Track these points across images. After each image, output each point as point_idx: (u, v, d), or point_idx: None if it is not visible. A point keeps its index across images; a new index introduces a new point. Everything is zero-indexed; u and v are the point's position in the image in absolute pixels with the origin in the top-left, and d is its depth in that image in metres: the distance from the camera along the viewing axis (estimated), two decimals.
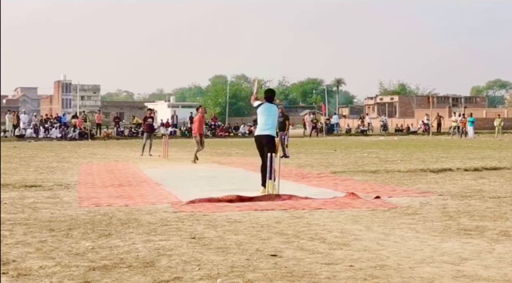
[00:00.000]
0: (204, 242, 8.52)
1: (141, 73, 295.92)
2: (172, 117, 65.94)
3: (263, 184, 14.16)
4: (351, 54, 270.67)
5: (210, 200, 12.63)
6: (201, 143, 25.37)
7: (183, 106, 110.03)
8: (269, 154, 13.99)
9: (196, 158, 24.97)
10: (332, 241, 8.61)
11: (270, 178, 13.90)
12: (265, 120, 14.52)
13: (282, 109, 28.21)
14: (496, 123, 58.62)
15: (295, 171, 19.99)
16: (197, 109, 27.56)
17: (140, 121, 50.74)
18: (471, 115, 60.22)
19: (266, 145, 14.36)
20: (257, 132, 14.76)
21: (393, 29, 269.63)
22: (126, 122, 66.36)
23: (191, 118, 67.60)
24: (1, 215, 10.82)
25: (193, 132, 26.60)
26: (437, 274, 6.71)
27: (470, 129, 56.70)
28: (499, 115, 63.76)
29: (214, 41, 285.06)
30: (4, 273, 6.78)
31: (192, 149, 26.76)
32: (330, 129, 66.97)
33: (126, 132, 60.02)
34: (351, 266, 7.08)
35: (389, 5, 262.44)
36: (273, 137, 14.60)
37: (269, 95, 14.95)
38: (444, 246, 8.24)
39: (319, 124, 66.06)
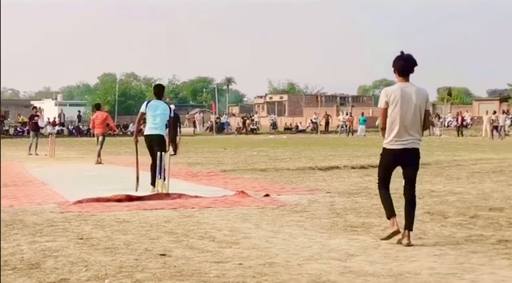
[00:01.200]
0: (92, 243, 8.38)
1: (27, 71, 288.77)
2: (60, 115, 64.70)
3: (153, 183, 14.00)
4: (241, 52, 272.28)
5: (98, 199, 12.44)
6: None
7: (70, 105, 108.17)
8: (158, 153, 13.87)
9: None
10: (222, 239, 8.62)
11: (160, 177, 13.76)
12: (153, 119, 14.20)
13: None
14: (377, 122, 60.38)
15: (185, 170, 19.94)
16: (98, 108, 26.09)
17: (26, 119, 49.57)
18: (362, 114, 61.58)
19: (156, 144, 14.14)
20: (146, 131, 14.41)
21: (281, 28, 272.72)
22: (11, 121, 64.59)
23: (79, 117, 66.56)
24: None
25: (96, 132, 25.18)
26: (324, 270, 6.82)
27: (361, 127, 57.88)
28: (362, 113, 65.55)
29: (103, 38, 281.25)
30: None
31: (79, 148, 26.39)
32: (220, 128, 67.15)
33: (11, 131, 58.47)
34: (240, 264, 7.11)
35: (275, 4, 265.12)
36: (162, 136, 14.34)
37: (157, 91, 14.60)
38: (331, 242, 8.38)
39: (209, 122, 66.20)
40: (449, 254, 7.68)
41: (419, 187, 14.57)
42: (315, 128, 65.01)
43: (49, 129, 56.44)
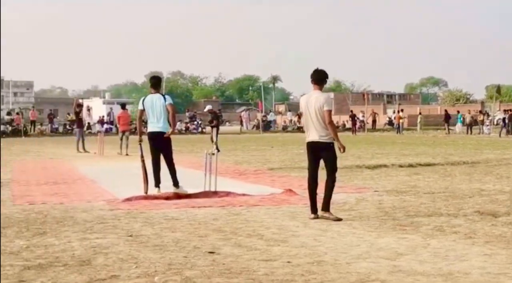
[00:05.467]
0: (141, 240, 8.46)
1: (75, 69, 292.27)
2: (108, 114, 65.27)
3: (157, 184, 13.15)
4: (287, 51, 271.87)
5: (146, 197, 12.56)
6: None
7: (118, 103, 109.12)
8: (166, 156, 13.21)
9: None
10: (270, 237, 8.63)
11: (174, 184, 13.05)
12: (151, 118, 13.19)
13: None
14: (418, 120, 60.23)
15: (232, 168, 19.99)
16: (123, 108, 30.10)
17: (74, 118, 50.17)
18: (458, 112, 60.99)
19: (162, 146, 13.19)
20: (149, 128, 13.36)
21: (328, 26, 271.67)
22: (60, 119, 65.46)
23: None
24: None
25: (121, 129, 29.08)
26: (373, 269, 6.79)
27: (458, 125, 57.05)
28: (420, 112, 64.96)
29: (149, 37, 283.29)
30: None
31: (129, 145, 26.79)
32: (267, 126, 67.13)
33: (61, 129, 59.18)
34: (288, 262, 7.11)
35: (325, 2, 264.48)
36: (165, 133, 13.15)
37: (152, 84, 13.48)
38: (380, 241, 8.34)
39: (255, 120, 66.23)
40: (500, 253, 7.60)
41: (469, 186, 14.50)
42: (361, 126, 64.58)
43: (97, 127, 57.01)
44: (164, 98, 13.13)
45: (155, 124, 13.12)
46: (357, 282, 6.35)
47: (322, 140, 10.29)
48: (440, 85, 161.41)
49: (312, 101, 10.30)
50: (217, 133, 29.02)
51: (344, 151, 10.26)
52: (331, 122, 10.20)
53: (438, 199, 12.45)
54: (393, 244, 8.14)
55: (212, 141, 27.83)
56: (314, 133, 10.32)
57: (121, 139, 28.20)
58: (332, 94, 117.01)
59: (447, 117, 56.67)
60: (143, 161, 13.52)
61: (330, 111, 10.31)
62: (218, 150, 25.49)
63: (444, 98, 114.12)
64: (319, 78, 10.47)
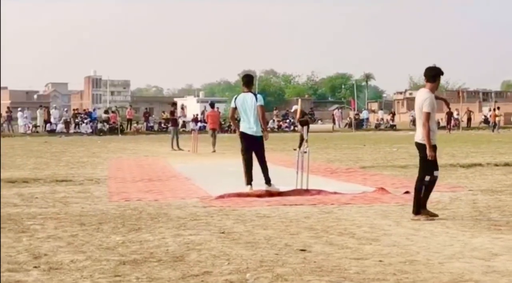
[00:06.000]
0: (233, 237, 8.55)
1: (170, 68, 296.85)
2: (202, 112, 65.95)
3: (249, 182, 13.16)
4: (381, 48, 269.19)
5: (239, 195, 12.66)
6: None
7: (211, 102, 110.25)
8: (259, 155, 13.25)
9: None
10: (361, 236, 8.59)
11: (266, 182, 13.06)
12: (243, 117, 13.27)
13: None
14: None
15: (324, 166, 19.95)
16: (212, 107, 32.65)
17: (169, 116, 50.95)
18: None
19: (254, 147, 13.26)
20: (241, 128, 13.43)
21: (421, 23, 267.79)
22: (155, 117, 66.52)
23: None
24: (32, 210, 10.94)
25: (209, 127, 31.28)
26: (467, 269, 6.68)
27: None
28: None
29: (243, 35, 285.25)
30: (35, 267, 6.86)
31: (221, 144, 27.17)
32: (359, 124, 66.67)
33: (156, 127, 60.21)
34: (380, 261, 7.07)
35: (416, 1, 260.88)
36: (257, 137, 13.24)
37: (245, 82, 13.56)
38: (474, 241, 8.20)
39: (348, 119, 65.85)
40: None
41: None
42: (456, 125, 63.40)
43: (191, 125, 57.76)
44: (256, 98, 13.18)
45: (247, 124, 13.21)
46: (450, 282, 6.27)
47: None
48: None
49: (418, 99, 10.01)
50: (308, 131, 29.00)
51: (432, 158, 9.81)
52: (424, 124, 9.79)
53: None
54: (488, 244, 7.99)
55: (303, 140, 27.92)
56: (418, 132, 10.05)
57: (212, 136, 29.71)
58: None
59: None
60: (243, 154, 13.45)
61: (428, 113, 9.79)
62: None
63: None
64: (425, 74, 10.16)
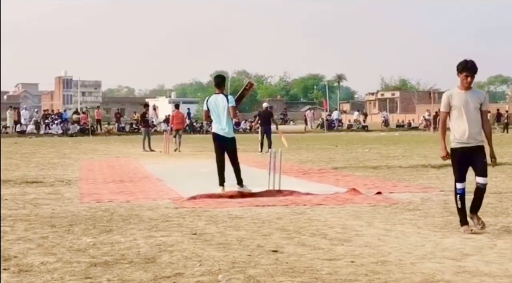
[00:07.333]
0: (205, 238, 8.52)
1: (142, 69, 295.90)
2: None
3: (221, 183, 13.30)
4: (352, 49, 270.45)
5: (211, 196, 12.64)
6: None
7: (184, 102, 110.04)
8: (231, 156, 13.33)
9: None
10: (334, 237, 8.61)
11: (238, 183, 13.13)
12: (215, 118, 13.24)
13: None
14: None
15: (296, 167, 19.98)
16: (177, 108, 32.37)
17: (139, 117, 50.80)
18: None
19: (227, 149, 13.34)
20: (213, 129, 13.48)
21: (393, 25, 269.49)
22: (127, 118, 66.26)
23: (188, 114, 67.36)
24: (2, 211, 10.82)
25: (175, 128, 31.09)
26: (438, 269, 6.72)
27: None
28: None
29: (215, 36, 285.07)
30: (5, 269, 6.79)
31: (192, 145, 27.04)
32: (331, 125, 66.87)
33: (127, 128, 59.95)
34: (352, 262, 7.09)
35: (389, 3, 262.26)
36: (229, 138, 13.31)
37: (216, 83, 13.53)
38: (445, 241, 8.25)
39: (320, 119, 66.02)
40: None
41: None
42: (428, 125, 63.86)
43: (163, 126, 57.56)
44: (227, 99, 13.17)
45: (219, 125, 13.21)
46: None
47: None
48: (508, 83, 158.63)
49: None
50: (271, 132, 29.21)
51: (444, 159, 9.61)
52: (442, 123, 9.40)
53: (505, 199, 12.25)
54: (459, 245, 8.04)
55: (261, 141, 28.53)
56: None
57: (175, 137, 30.30)
58: (398, 93, 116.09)
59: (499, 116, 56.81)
60: (216, 155, 13.57)
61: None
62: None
63: None
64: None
